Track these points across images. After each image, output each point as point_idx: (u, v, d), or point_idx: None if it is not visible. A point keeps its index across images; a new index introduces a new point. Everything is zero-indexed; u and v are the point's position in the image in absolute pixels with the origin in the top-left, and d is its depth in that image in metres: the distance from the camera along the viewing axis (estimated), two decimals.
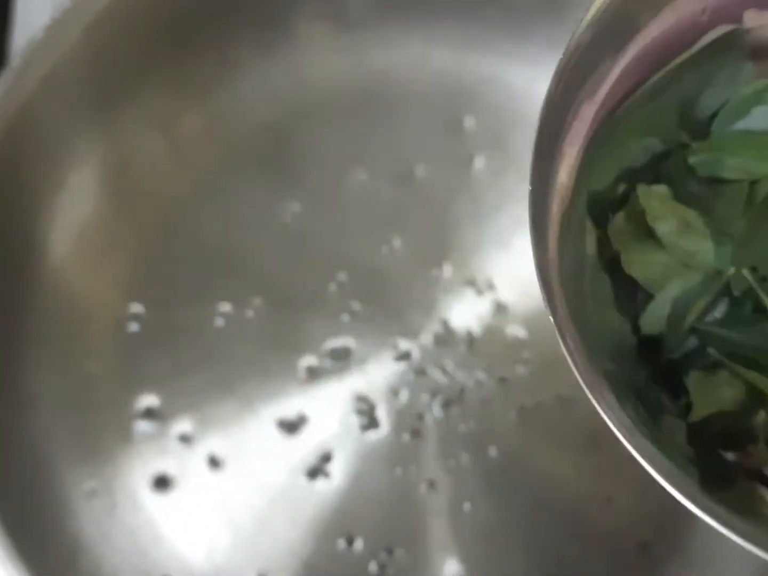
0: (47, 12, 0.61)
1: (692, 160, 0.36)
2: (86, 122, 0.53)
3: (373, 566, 0.51)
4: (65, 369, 0.52)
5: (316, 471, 0.53)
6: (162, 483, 0.52)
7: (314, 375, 0.54)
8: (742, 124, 0.37)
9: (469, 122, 0.59)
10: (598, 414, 0.30)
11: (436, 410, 0.54)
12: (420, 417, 0.54)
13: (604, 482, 0.53)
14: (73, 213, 0.53)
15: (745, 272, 0.34)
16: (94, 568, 0.48)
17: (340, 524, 0.52)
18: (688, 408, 0.35)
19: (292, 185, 0.58)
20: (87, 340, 0.53)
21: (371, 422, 0.54)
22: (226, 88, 0.58)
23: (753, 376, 0.34)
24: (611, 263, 0.36)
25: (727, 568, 0.51)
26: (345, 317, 0.55)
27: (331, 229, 0.57)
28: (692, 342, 0.36)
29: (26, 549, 0.43)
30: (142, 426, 0.53)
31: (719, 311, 0.35)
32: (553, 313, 0.31)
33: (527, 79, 0.60)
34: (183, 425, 0.53)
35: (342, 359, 0.55)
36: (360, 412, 0.54)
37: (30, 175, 0.51)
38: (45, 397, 0.51)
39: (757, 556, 0.47)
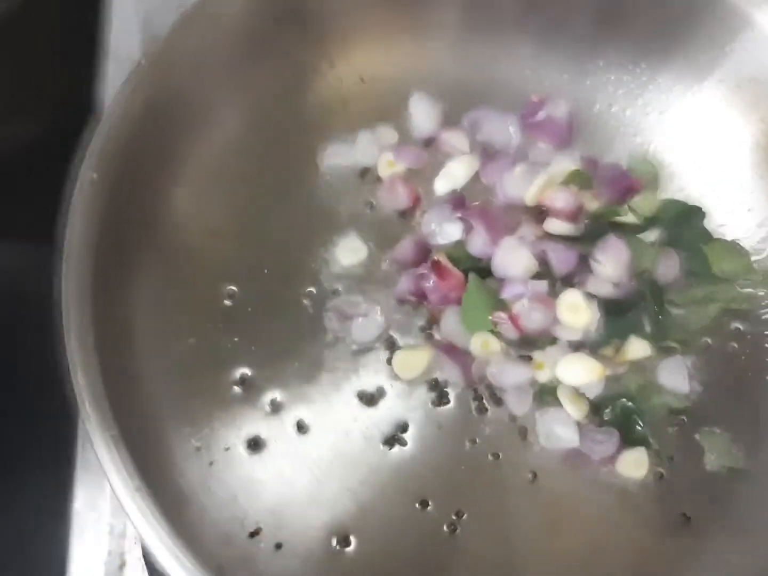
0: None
1: None
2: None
3: (444, 527, 0.56)
4: (170, 341, 0.58)
5: (392, 439, 0.58)
6: (255, 444, 0.57)
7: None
8: None
9: None
10: None
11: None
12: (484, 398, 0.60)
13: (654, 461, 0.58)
14: (193, 186, 0.59)
15: None
16: (199, 516, 0.53)
17: (414, 489, 0.57)
18: None
19: None
20: (190, 311, 0.59)
21: (443, 399, 0.59)
22: None
23: None
24: None
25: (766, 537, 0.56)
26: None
27: None
28: None
29: (149, 497, 0.47)
30: (238, 393, 0.58)
31: None
32: None
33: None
34: (273, 394, 0.59)
35: (423, 342, 0.60)
36: (433, 389, 0.60)
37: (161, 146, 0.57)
38: (155, 365, 0.56)
39: None
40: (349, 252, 0.62)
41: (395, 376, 0.60)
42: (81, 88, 0.72)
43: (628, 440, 0.59)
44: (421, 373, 0.60)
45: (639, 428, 0.59)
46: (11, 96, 0.74)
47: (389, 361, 0.60)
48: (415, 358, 0.60)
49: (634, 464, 0.58)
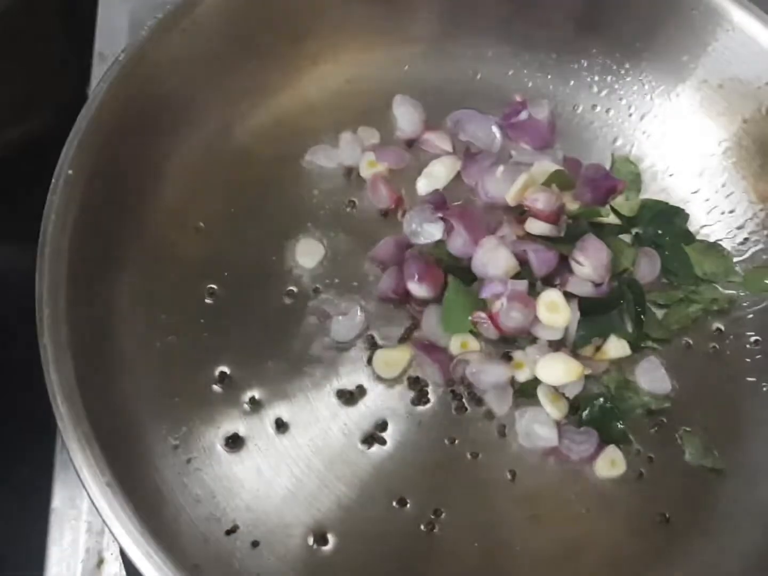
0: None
1: None
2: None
3: (422, 526, 0.56)
4: (151, 337, 0.58)
5: (371, 438, 0.58)
6: (233, 442, 0.57)
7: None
8: None
9: None
10: None
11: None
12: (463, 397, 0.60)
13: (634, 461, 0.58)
14: (175, 185, 0.60)
15: None
16: (175, 514, 0.53)
17: (393, 487, 0.57)
18: None
19: None
20: (171, 310, 0.59)
21: (423, 398, 0.59)
22: None
23: None
24: None
25: (743, 537, 0.56)
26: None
27: None
28: None
29: (126, 495, 0.47)
30: (217, 391, 0.58)
31: None
32: None
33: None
34: (252, 392, 0.59)
35: (403, 341, 0.60)
36: (413, 388, 0.60)
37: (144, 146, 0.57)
38: (133, 362, 0.56)
39: None
40: (307, 254, 0.62)
41: (375, 375, 0.60)
42: (76, 90, 0.72)
43: (608, 438, 0.59)
44: (401, 372, 0.60)
45: (618, 426, 0.59)
46: (9, 99, 0.75)
47: (370, 360, 0.60)
48: (395, 358, 0.60)
49: (611, 464, 0.58)
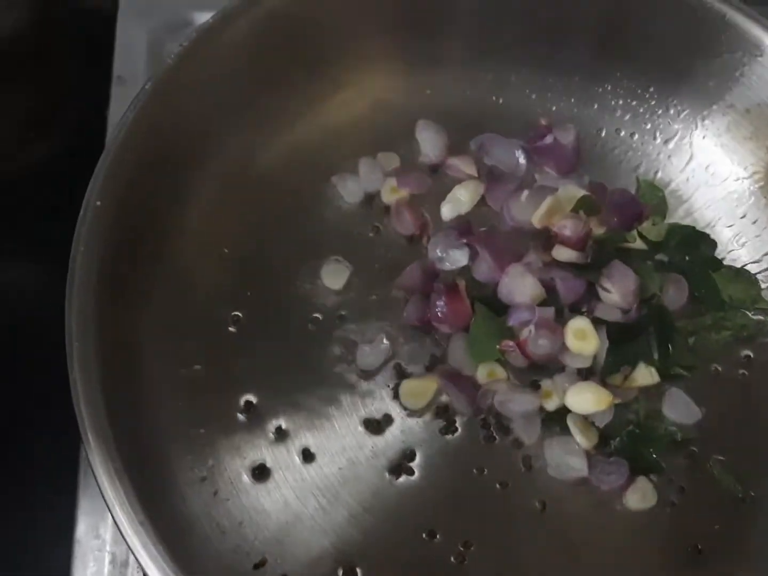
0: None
1: None
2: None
3: (452, 558, 0.55)
4: (177, 367, 0.57)
5: (399, 468, 0.57)
6: (260, 473, 0.56)
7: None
8: None
9: None
10: None
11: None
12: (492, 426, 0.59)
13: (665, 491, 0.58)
14: (198, 214, 0.60)
15: None
16: (202, 547, 0.52)
17: (421, 518, 0.56)
18: None
19: None
20: (196, 338, 0.58)
21: (450, 427, 0.59)
22: None
23: None
24: None
25: None
26: None
27: None
28: None
29: (153, 531, 0.46)
30: (242, 421, 0.58)
31: None
32: None
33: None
34: (278, 421, 0.58)
35: (430, 370, 0.60)
36: (441, 417, 0.59)
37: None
38: (160, 393, 0.56)
39: None
40: (332, 275, 0.62)
41: (402, 404, 0.59)
42: (94, 112, 0.72)
43: (640, 467, 0.58)
44: (428, 402, 0.59)
45: (650, 454, 0.58)
46: (26, 121, 0.75)
47: (396, 391, 0.59)
48: (421, 388, 0.59)
49: (642, 497, 0.57)
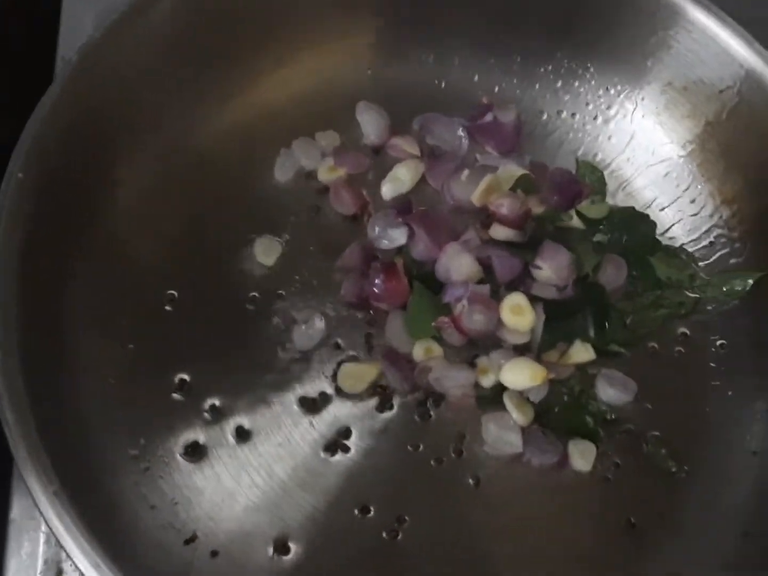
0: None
1: None
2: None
3: (384, 534, 0.55)
4: (109, 345, 0.57)
5: (334, 445, 0.57)
6: (193, 451, 0.56)
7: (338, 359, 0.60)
8: None
9: None
10: None
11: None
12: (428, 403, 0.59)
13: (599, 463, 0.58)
14: (131, 190, 0.59)
15: None
16: (132, 524, 0.52)
17: (355, 495, 0.56)
18: None
19: None
20: (130, 317, 0.58)
21: (386, 405, 0.59)
22: None
23: None
24: None
25: (707, 540, 0.56)
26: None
27: None
28: None
29: (75, 504, 0.46)
30: (177, 399, 0.57)
31: None
32: None
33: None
34: (213, 400, 0.58)
35: (369, 350, 0.60)
36: (377, 395, 0.59)
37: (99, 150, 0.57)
38: (90, 370, 0.55)
39: (735, 529, 0.53)
40: (264, 251, 0.62)
41: (340, 387, 0.59)
42: (39, 93, 0.72)
43: (578, 434, 0.58)
44: (367, 386, 0.59)
45: (589, 423, 0.59)
46: None
47: (335, 373, 0.59)
48: (361, 372, 0.59)
49: (582, 455, 0.57)
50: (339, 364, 0.59)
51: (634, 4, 0.63)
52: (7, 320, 0.48)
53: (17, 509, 0.58)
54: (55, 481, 0.44)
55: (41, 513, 0.44)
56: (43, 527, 0.58)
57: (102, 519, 0.47)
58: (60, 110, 0.52)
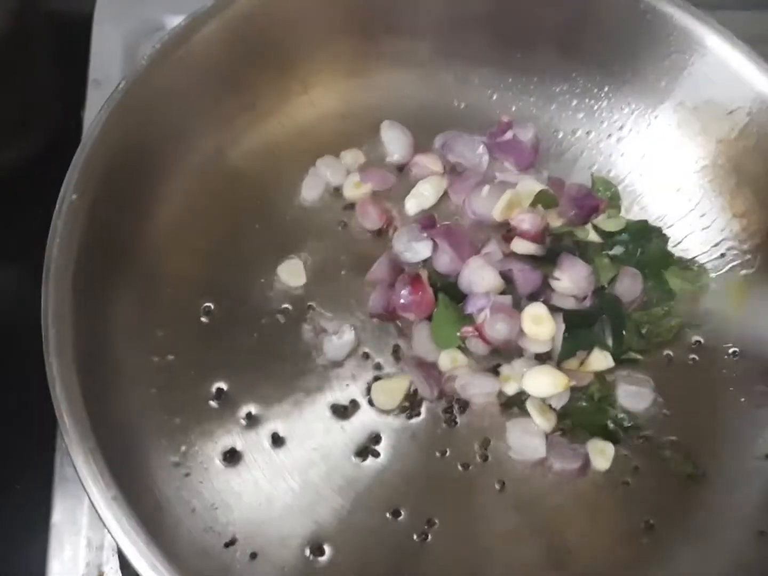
0: None
1: None
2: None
3: (415, 536, 0.58)
4: (150, 356, 0.60)
5: (365, 451, 0.60)
6: (231, 456, 0.59)
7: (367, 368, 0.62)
8: None
9: None
10: None
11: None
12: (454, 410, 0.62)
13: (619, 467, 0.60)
14: (170, 209, 0.62)
15: None
16: (174, 527, 0.54)
17: (386, 499, 0.59)
18: None
19: None
20: (169, 330, 0.60)
21: (414, 411, 0.61)
22: None
23: None
24: None
25: (724, 541, 0.58)
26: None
27: None
28: None
29: (131, 509, 0.48)
30: (214, 407, 0.60)
31: None
32: None
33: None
34: (249, 407, 0.60)
35: (397, 360, 0.62)
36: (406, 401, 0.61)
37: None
38: (134, 380, 0.58)
39: (750, 529, 0.55)
40: (289, 273, 0.64)
41: (368, 390, 0.61)
42: (70, 115, 0.74)
43: (599, 436, 0.61)
44: (401, 401, 0.61)
45: (609, 425, 0.61)
46: (3, 123, 0.76)
47: (366, 383, 0.61)
48: (392, 388, 0.61)
49: (601, 453, 0.60)
50: (373, 379, 0.62)
51: (649, 27, 0.65)
52: (63, 334, 0.50)
53: (59, 514, 0.61)
54: (112, 486, 0.47)
55: (100, 517, 0.46)
56: (84, 531, 0.61)
57: (152, 523, 0.49)
58: (108, 134, 0.55)
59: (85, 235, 0.53)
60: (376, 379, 0.62)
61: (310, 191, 0.67)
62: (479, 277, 0.62)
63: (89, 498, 0.46)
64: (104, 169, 0.55)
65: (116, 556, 0.59)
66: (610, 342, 0.63)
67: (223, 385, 0.60)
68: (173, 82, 0.60)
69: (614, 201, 0.69)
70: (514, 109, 0.71)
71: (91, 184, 0.54)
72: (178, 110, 0.61)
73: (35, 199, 0.62)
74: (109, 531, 0.46)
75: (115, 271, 0.58)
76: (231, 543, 0.56)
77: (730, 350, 0.65)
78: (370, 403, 0.61)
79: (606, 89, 0.70)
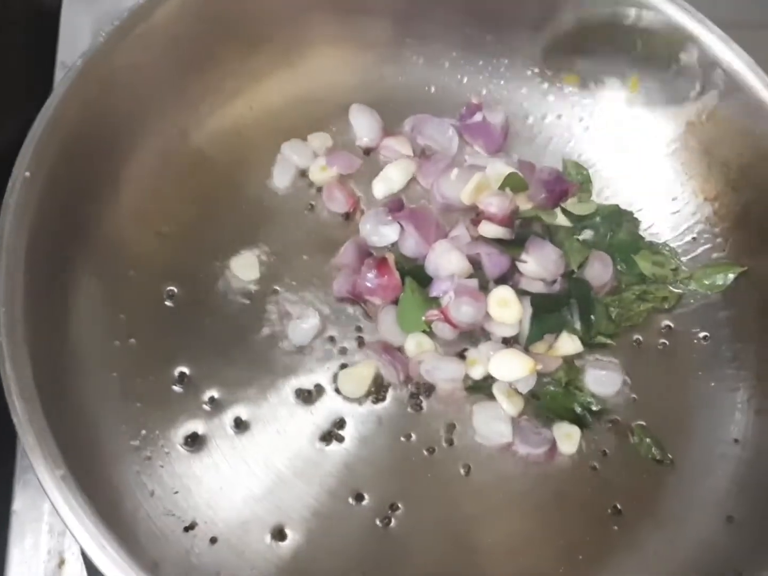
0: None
1: None
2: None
3: (377, 521, 0.57)
4: (111, 338, 0.59)
5: (329, 435, 0.59)
6: (193, 441, 0.58)
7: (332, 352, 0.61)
8: None
9: None
10: None
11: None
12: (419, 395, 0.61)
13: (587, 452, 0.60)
14: (132, 190, 0.61)
15: None
16: (133, 509, 0.54)
17: (350, 483, 0.58)
18: None
19: None
20: (131, 313, 0.60)
21: (380, 396, 0.61)
22: None
23: None
24: None
25: (693, 526, 0.58)
26: None
27: None
28: None
29: (80, 489, 0.47)
30: (177, 391, 0.59)
31: None
32: None
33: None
34: (212, 391, 0.59)
35: (361, 344, 0.62)
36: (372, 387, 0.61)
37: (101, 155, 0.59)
38: (93, 363, 0.57)
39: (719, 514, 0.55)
40: (244, 268, 0.63)
41: (333, 374, 0.61)
42: (39, 99, 0.73)
43: (566, 420, 0.60)
44: (367, 389, 0.60)
45: (576, 409, 0.60)
46: None
47: (329, 367, 0.61)
48: (359, 375, 0.61)
49: (567, 437, 0.60)
50: (339, 367, 0.61)
51: (622, 11, 0.65)
52: (14, 314, 0.49)
53: (20, 502, 0.60)
54: (62, 466, 0.46)
55: (48, 497, 0.45)
56: (46, 518, 0.60)
57: (106, 505, 0.48)
58: (64, 112, 0.54)
59: (40, 215, 0.52)
60: (343, 366, 0.61)
61: (281, 177, 0.66)
62: (446, 260, 0.62)
63: (37, 477, 0.46)
64: (59, 148, 0.54)
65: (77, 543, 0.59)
66: (578, 326, 0.62)
67: (186, 370, 0.60)
68: (133, 60, 0.59)
69: (585, 185, 0.68)
70: (484, 92, 0.71)
71: (45, 163, 0.53)
72: (140, 89, 0.60)
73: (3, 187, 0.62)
74: (57, 511, 0.45)
75: (74, 253, 0.57)
76: (191, 527, 0.55)
77: (700, 335, 0.64)
78: (337, 391, 0.60)
79: (576, 71, 0.69)
